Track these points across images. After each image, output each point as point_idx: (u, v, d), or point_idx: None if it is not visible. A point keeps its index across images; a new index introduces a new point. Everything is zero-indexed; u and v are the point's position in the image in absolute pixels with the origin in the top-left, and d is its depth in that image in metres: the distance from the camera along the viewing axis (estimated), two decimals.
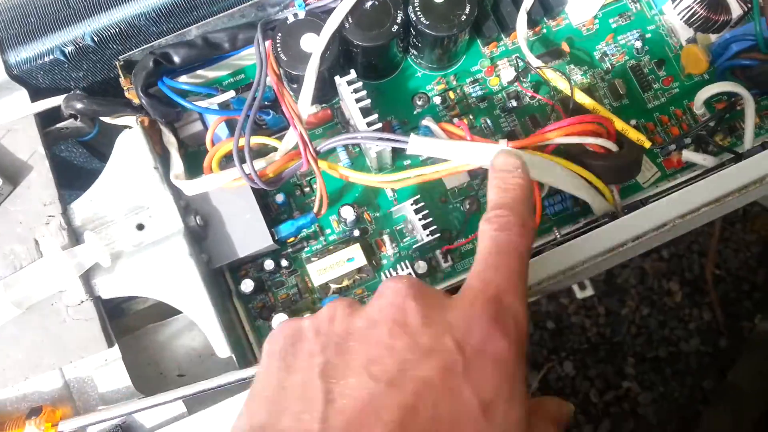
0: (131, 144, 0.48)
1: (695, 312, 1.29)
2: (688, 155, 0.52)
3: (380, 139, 0.48)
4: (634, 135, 0.49)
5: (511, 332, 0.33)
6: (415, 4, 0.50)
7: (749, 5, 0.52)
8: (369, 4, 0.50)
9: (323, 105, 0.54)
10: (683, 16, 0.54)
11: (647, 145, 0.49)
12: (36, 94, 0.50)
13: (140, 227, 0.46)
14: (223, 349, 0.43)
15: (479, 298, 0.34)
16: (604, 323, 1.29)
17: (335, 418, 0.31)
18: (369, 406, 0.31)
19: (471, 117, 0.54)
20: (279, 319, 0.47)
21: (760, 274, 1.29)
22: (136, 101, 0.49)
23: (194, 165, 0.51)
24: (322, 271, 0.48)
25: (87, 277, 0.44)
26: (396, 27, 0.49)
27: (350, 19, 0.49)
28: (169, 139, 0.50)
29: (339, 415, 0.31)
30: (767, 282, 1.29)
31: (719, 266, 1.30)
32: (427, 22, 0.49)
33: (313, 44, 0.49)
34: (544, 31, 0.56)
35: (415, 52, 0.54)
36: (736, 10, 0.53)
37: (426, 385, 0.31)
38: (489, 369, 0.32)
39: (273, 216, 0.52)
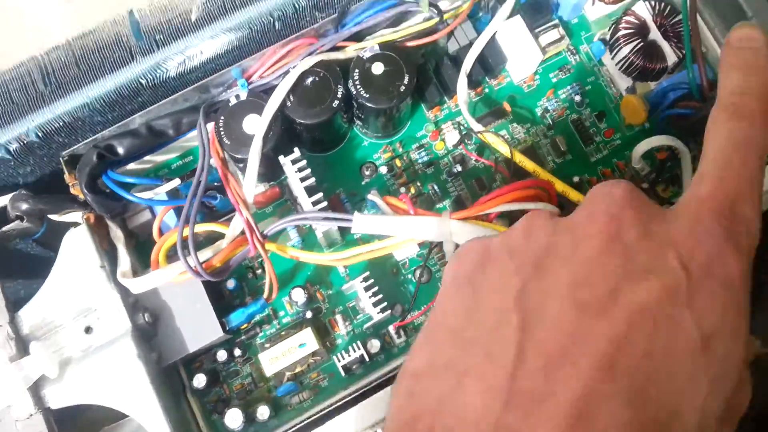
0: (77, 244, 0.48)
1: None
2: None
3: (326, 218, 0.48)
4: (574, 196, 0.49)
5: (743, 250, 0.28)
6: (355, 78, 0.50)
7: (684, 52, 0.53)
8: (309, 80, 0.50)
9: (271, 183, 0.55)
10: (621, 66, 0.55)
11: None
12: None
13: (88, 330, 0.46)
14: None
15: (709, 206, 0.29)
16: None
17: (533, 352, 0.26)
18: (573, 338, 0.26)
19: (418, 184, 0.55)
20: (232, 415, 0.47)
21: None
22: (81, 197, 0.49)
23: (145, 255, 0.50)
24: (273, 359, 0.48)
25: (36, 388, 0.44)
26: (337, 102, 0.50)
27: (291, 98, 0.50)
28: (116, 234, 0.50)
29: (537, 348, 0.27)
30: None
31: None
32: (368, 95, 0.50)
33: (256, 126, 0.49)
34: (487, 90, 0.57)
35: (360, 123, 0.55)
36: (672, 58, 0.54)
37: (642, 312, 0.26)
38: (717, 294, 0.27)
39: (225, 302, 0.52)
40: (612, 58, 0.56)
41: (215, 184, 0.51)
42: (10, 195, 0.49)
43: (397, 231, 0.48)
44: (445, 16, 0.52)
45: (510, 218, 0.49)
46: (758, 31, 0.34)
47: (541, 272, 0.29)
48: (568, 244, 0.29)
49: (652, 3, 0.54)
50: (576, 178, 0.54)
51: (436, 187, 0.55)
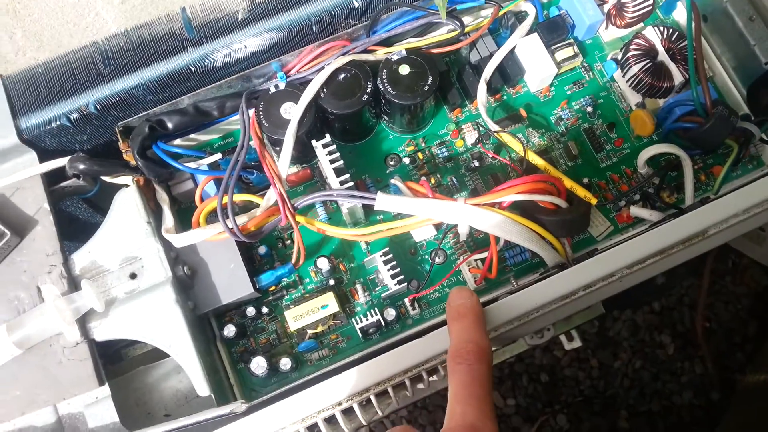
0: (127, 201, 0.53)
1: (687, 365, 1.30)
2: (636, 211, 0.57)
3: (351, 196, 0.53)
4: (581, 192, 0.54)
5: None
6: (383, 77, 0.55)
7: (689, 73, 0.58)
8: (342, 76, 0.56)
9: (303, 165, 0.60)
10: (631, 83, 0.60)
11: (593, 201, 0.54)
12: (43, 155, 0.55)
13: (133, 276, 0.51)
14: (202, 387, 0.47)
15: None
16: (597, 376, 1.31)
17: None
18: None
19: (438, 176, 0.60)
20: (257, 362, 0.52)
21: (751, 326, 1.31)
22: (133, 163, 0.54)
23: (186, 220, 0.56)
24: (297, 317, 0.53)
25: (83, 321, 0.49)
26: (366, 96, 0.55)
27: (325, 90, 0.55)
28: (162, 197, 0.55)
29: None
30: (758, 334, 1.30)
31: (710, 319, 1.32)
32: (394, 92, 0.55)
33: (292, 112, 0.54)
34: (505, 97, 0.62)
35: (387, 118, 0.60)
36: (678, 78, 0.59)
37: None
38: None
39: (256, 266, 0.57)
40: (623, 76, 0.61)
41: (252, 162, 0.56)
42: (69, 156, 0.54)
43: (416, 211, 0.52)
44: (468, 29, 0.58)
45: (520, 207, 0.53)
46: (464, 289, 0.47)
47: None
48: None
49: (661, 29, 0.59)
50: (585, 180, 0.59)
51: (454, 180, 0.59)
